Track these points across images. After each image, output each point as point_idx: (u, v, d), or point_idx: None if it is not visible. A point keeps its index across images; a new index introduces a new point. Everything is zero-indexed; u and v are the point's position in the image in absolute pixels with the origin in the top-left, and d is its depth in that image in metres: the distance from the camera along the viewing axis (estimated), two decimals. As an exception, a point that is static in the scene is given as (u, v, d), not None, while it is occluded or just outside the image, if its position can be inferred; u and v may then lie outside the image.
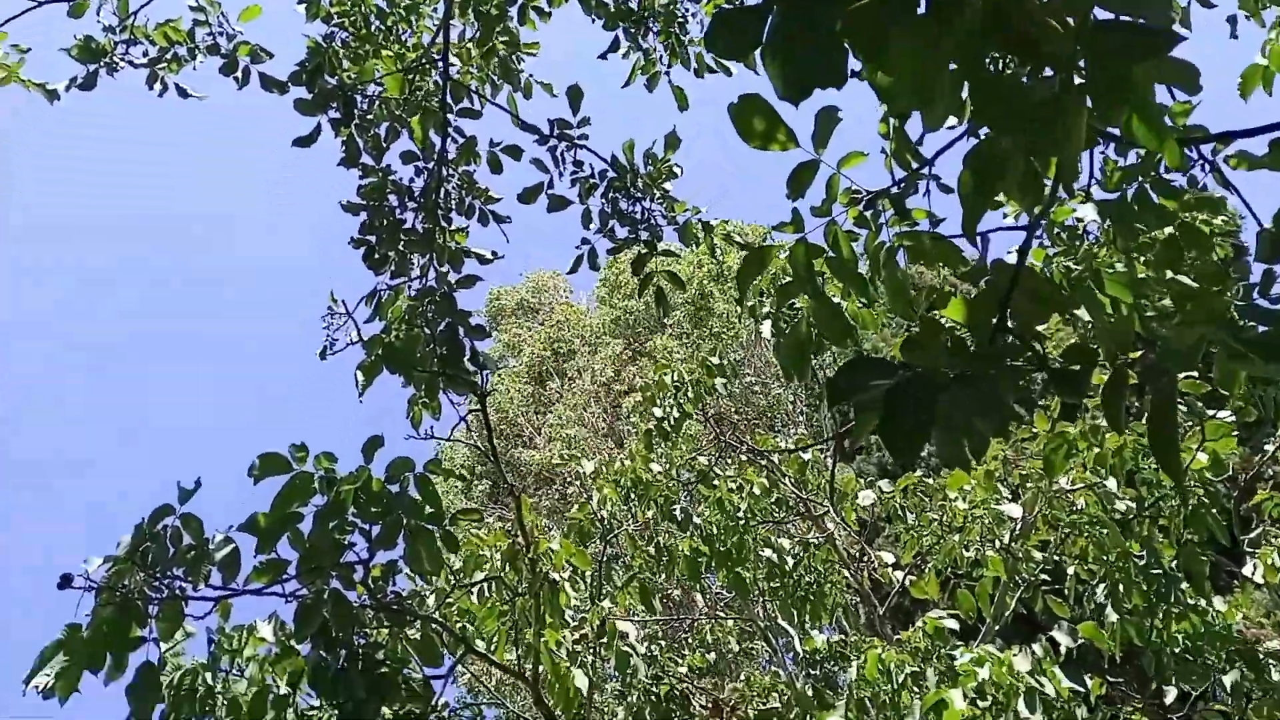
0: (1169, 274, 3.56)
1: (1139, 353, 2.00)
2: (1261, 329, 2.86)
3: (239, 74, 5.09)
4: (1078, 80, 1.35)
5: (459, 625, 5.51)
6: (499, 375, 24.76)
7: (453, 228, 5.03)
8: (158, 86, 5.33)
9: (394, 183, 4.97)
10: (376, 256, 4.91)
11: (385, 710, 4.10)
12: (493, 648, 5.02)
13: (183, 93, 5.36)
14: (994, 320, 1.89)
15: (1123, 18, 1.42)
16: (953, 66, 1.52)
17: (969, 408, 1.86)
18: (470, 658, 5.00)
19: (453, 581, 5.55)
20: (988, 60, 1.51)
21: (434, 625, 4.19)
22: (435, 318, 4.27)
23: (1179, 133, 3.12)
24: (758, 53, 1.70)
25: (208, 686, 5.32)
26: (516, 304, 27.10)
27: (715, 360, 7.16)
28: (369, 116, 4.99)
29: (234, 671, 5.42)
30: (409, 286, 4.89)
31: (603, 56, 5.46)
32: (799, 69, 1.58)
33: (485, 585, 5.01)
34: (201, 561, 3.76)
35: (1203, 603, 5.02)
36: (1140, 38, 1.26)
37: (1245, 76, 4.62)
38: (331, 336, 5.11)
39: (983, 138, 1.63)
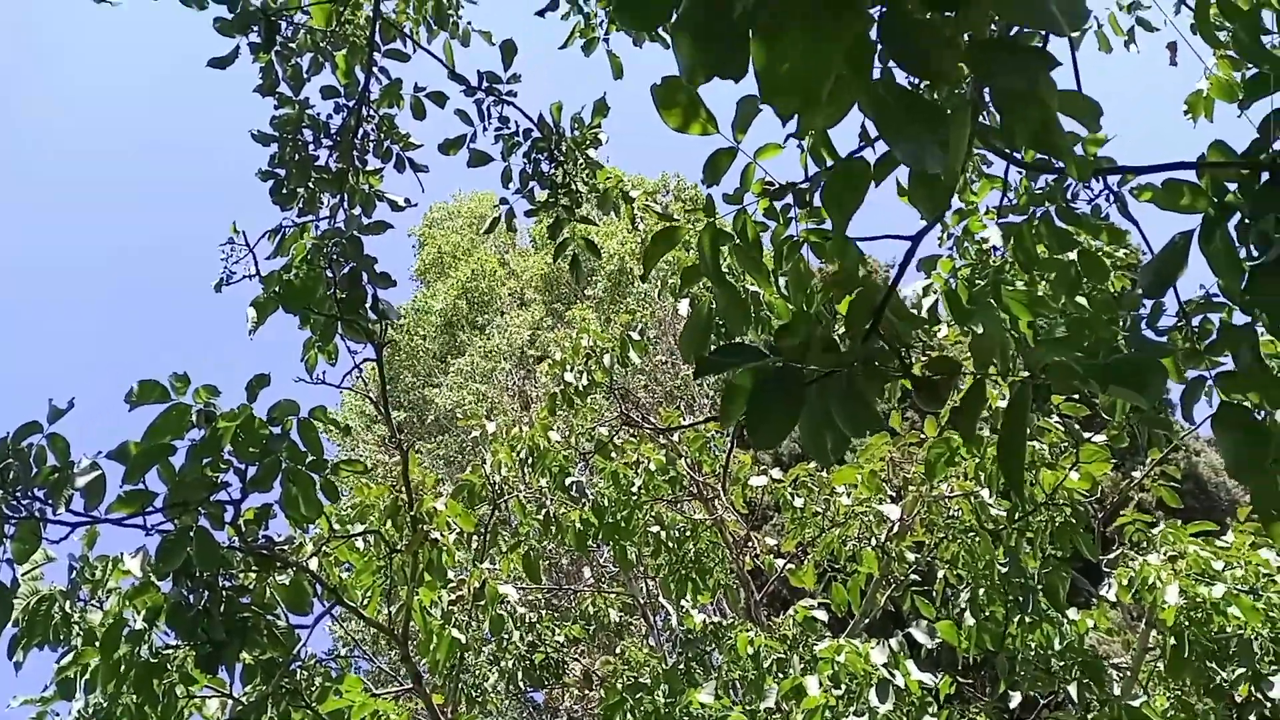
0: (1065, 299, 3.69)
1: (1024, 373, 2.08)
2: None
3: (157, -17, 4.85)
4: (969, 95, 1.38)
5: (337, 575, 5.44)
6: (420, 298, 24.39)
7: (367, 169, 4.91)
8: (68, -15, 5.06)
9: (311, 117, 4.82)
10: (285, 191, 4.76)
11: (245, 655, 4.03)
12: (365, 601, 4.97)
13: (95, -5, 5.09)
14: (866, 325, 1.93)
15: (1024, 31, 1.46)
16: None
17: (833, 404, 1.90)
18: (343, 609, 4.93)
19: (333, 530, 5.48)
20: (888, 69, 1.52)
21: (305, 574, 4.13)
22: (339, 260, 4.17)
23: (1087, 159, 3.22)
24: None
25: (64, 614, 5.16)
26: (457, 226, 26.46)
27: (635, 335, 7.18)
28: (292, 45, 4.82)
29: (93, 602, 5.26)
30: (315, 226, 4.76)
31: (540, 14, 5.37)
32: (706, 51, 1.58)
33: (365, 538, 4.95)
34: (64, 484, 3.63)
35: (1057, 614, 5.26)
36: (1024, 58, 1.30)
37: (1190, 103, 4.74)
38: (229, 268, 4.96)
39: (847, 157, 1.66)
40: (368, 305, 4.12)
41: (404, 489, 4.68)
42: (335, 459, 4.00)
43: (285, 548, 4.25)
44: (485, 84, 4.90)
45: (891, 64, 1.55)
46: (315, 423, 3.57)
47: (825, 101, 1.34)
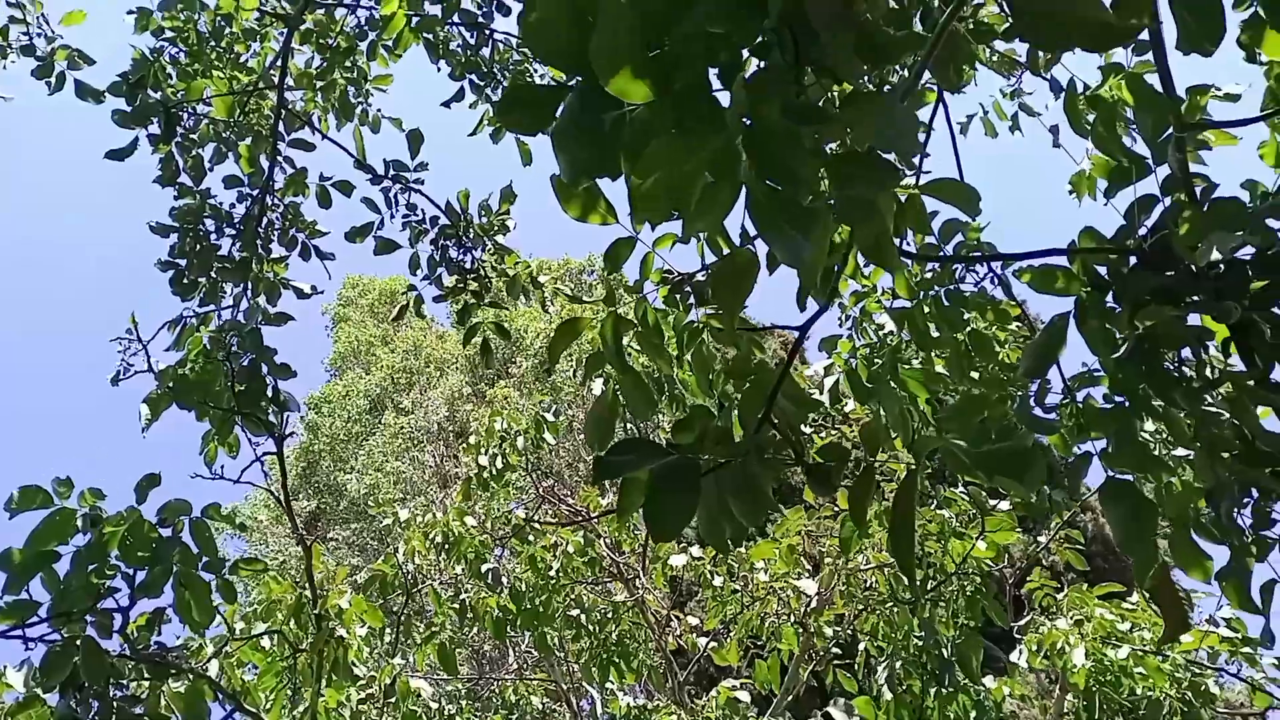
0: (958, 377, 3.81)
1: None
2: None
3: (53, 79, 4.78)
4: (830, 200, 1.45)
5: (239, 678, 5.20)
6: (339, 390, 23.93)
7: (272, 257, 4.85)
8: (-42, 78, 4.94)
9: (213, 206, 4.76)
10: (185, 281, 4.66)
11: (138, 769, 3.81)
12: (269, 705, 4.75)
13: (-14, 90, 4.99)
14: (759, 414, 1.96)
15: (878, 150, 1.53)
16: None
17: (728, 494, 1.92)
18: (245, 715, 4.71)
19: (238, 629, 5.26)
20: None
21: (202, 680, 3.94)
22: (238, 352, 4.08)
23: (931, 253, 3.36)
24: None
25: (-60, 734, 4.83)
26: (370, 303, 26.08)
27: (550, 416, 7.14)
28: (193, 136, 4.78)
29: (-27, 719, 4.94)
30: (218, 315, 4.67)
31: (446, 104, 5.43)
32: (583, 157, 1.63)
33: (269, 638, 4.75)
34: (-57, 597, 3.43)
35: (973, 685, 5.30)
36: (876, 170, 1.37)
37: (1074, 182, 4.95)
38: (126, 361, 4.81)
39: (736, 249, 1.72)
40: (268, 397, 4.02)
41: (307, 585, 4.53)
42: (236, 557, 3.87)
43: (179, 654, 4.06)
44: (392, 172, 4.91)
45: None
46: (208, 522, 3.45)
47: (699, 210, 1.39)
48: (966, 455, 1.80)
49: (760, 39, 1.46)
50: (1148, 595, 2.22)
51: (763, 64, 1.44)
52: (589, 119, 1.59)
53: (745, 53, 1.42)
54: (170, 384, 3.93)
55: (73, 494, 3.35)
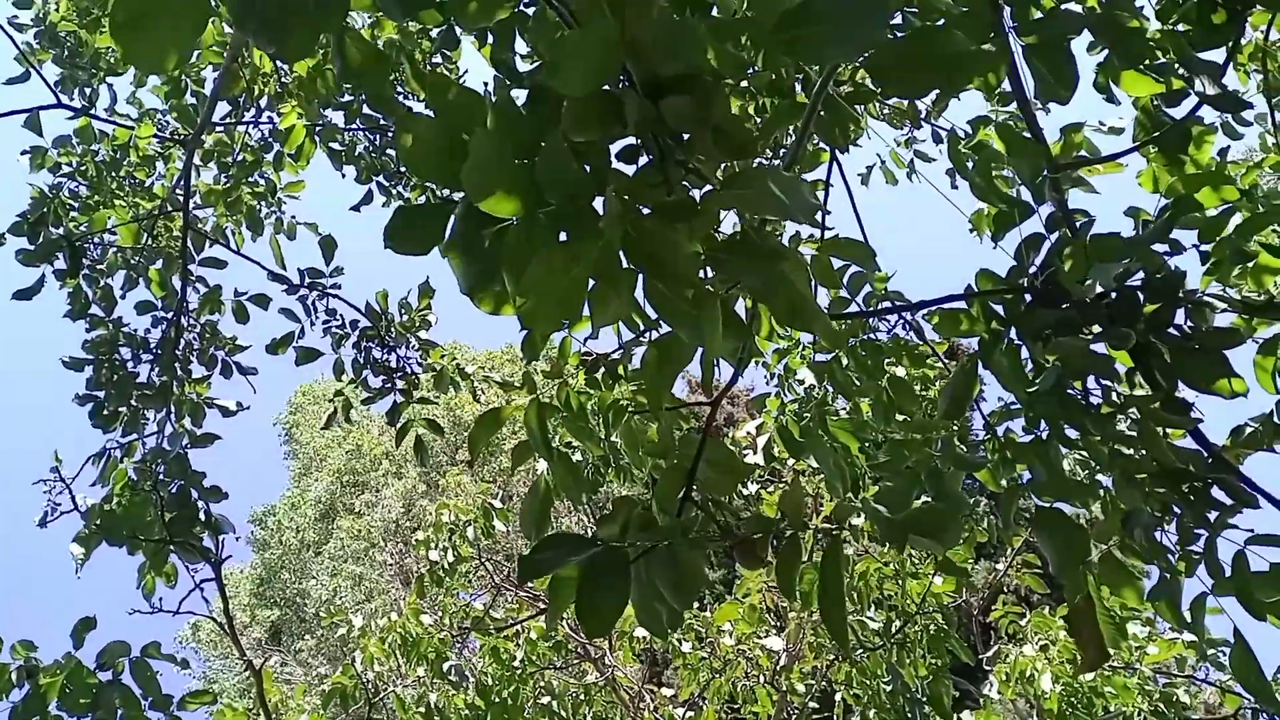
0: (882, 424, 3.87)
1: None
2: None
3: (-52, 224, 4.70)
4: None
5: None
6: (288, 501, 23.44)
7: (194, 378, 4.78)
8: None
9: (127, 334, 4.69)
10: (106, 413, 4.57)
11: None
12: (230, 842, 4.56)
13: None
14: (680, 494, 1.98)
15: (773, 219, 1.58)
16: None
17: (658, 578, 1.92)
18: None
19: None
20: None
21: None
22: (166, 479, 4.00)
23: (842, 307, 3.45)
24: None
25: None
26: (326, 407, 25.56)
27: (497, 504, 7.07)
28: (101, 266, 4.73)
29: None
30: (142, 443, 4.57)
31: (356, 208, 5.46)
32: (474, 270, 1.65)
33: (225, 770, 4.58)
34: None
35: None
36: (760, 260, 1.42)
37: (974, 222, 5.10)
38: (53, 501, 4.68)
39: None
40: (200, 522, 3.94)
41: (261, 711, 4.38)
42: (183, 692, 3.73)
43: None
44: (308, 280, 4.90)
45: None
46: (149, 660, 3.34)
47: (599, 310, 1.43)
48: (883, 522, 1.83)
49: (629, 144, 1.52)
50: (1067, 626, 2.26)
51: (633, 168, 1.49)
52: (472, 235, 1.62)
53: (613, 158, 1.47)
54: (98, 521, 3.82)
55: (3, 649, 3.23)
